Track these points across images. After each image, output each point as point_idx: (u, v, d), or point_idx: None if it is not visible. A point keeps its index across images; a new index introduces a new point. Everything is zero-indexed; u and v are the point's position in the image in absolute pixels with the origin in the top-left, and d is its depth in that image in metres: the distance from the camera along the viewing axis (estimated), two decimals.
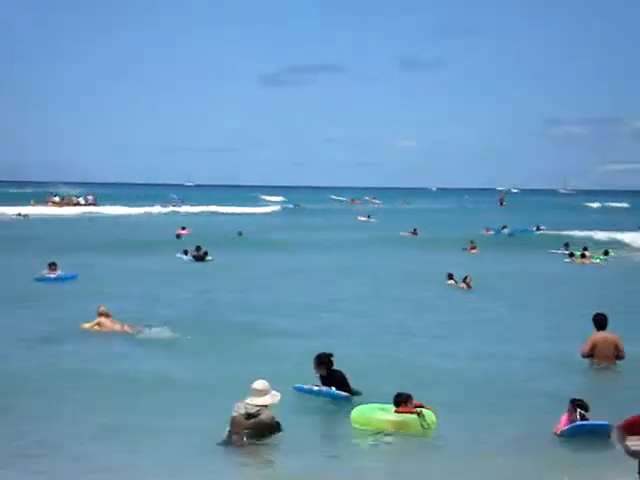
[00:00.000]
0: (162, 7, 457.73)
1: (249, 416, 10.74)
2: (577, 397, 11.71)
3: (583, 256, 38.81)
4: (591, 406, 11.61)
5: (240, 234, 49.88)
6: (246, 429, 10.72)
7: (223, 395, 12.05)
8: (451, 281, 28.46)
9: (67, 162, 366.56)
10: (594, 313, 16.38)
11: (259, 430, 10.75)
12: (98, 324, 18.90)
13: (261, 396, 10.86)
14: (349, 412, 11.96)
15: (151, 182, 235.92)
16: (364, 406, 11.84)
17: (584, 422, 11.38)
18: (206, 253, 37.20)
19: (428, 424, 11.30)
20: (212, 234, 47.69)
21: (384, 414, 11.42)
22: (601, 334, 16.01)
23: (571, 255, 39.27)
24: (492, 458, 10.55)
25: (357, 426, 11.47)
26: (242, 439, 10.71)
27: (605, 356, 15.92)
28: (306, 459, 10.48)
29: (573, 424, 11.41)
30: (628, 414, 7.83)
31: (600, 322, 16.11)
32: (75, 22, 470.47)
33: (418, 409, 11.37)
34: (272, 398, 10.90)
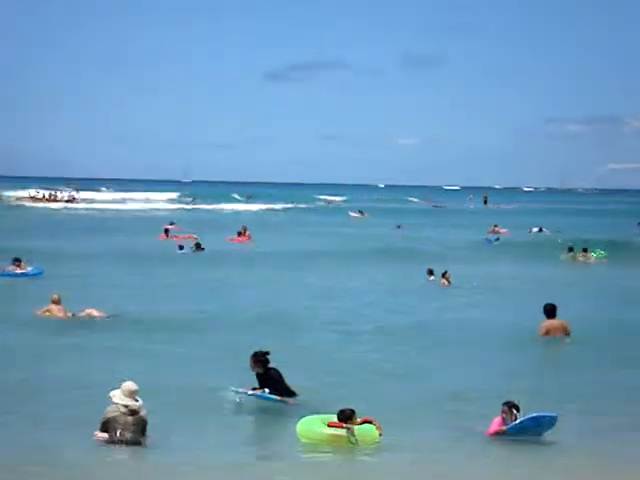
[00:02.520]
0: (164, 1, 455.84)
1: (133, 413, 10.96)
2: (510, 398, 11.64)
3: (585, 250, 37.40)
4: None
5: None
6: (132, 425, 10.95)
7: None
8: (432, 277, 27.49)
9: (65, 157, 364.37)
10: (544, 303, 18.07)
11: (141, 426, 11.03)
12: (48, 310, 20.05)
13: (135, 396, 11.04)
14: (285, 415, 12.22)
15: (151, 178, 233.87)
16: (308, 419, 11.66)
17: (534, 415, 11.36)
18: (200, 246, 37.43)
19: (357, 439, 11.14)
20: None
21: (319, 427, 11.45)
22: (551, 321, 17.91)
23: (570, 250, 37.67)
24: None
25: (302, 439, 11.46)
26: (125, 435, 10.89)
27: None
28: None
29: (526, 417, 11.36)
30: None
31: (549, 311, 17.95)
32: (73, 15, 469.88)
33: (348, 425, 11.18)
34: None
